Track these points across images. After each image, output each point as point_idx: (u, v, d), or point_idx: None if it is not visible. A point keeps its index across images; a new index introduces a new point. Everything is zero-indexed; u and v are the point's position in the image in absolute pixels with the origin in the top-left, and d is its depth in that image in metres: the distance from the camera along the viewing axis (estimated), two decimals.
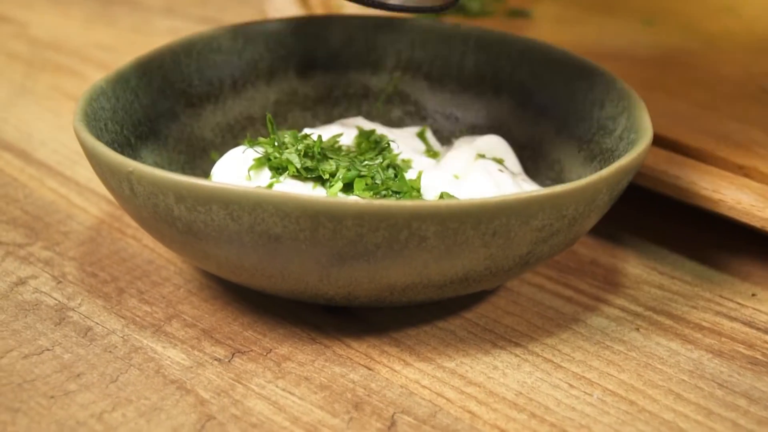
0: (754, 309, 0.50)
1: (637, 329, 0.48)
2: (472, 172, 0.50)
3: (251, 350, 0.46)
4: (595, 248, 0.54)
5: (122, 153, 0.50)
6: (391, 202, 0.41)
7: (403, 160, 0.50)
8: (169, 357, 0.45)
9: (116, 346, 0.46)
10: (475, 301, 0.49)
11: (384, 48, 0.58)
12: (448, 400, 0.44)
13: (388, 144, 0.51)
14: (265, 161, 0.48)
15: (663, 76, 0.63)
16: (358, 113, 0.58)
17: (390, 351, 0.46)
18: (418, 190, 0.48)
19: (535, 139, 0.55)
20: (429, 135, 0.54)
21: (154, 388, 0.44)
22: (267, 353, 0.46)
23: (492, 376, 0.45)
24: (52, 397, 0.43)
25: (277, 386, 0.44)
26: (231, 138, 0.56)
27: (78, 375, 0.44)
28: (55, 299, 0.49)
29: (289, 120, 0.58)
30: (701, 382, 0.45)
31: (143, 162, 0.51)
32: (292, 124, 0.57)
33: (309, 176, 0.48)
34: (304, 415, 0.43)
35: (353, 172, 0.47)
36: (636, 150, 0.46)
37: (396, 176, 0.48)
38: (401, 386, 0.44)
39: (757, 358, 0.47)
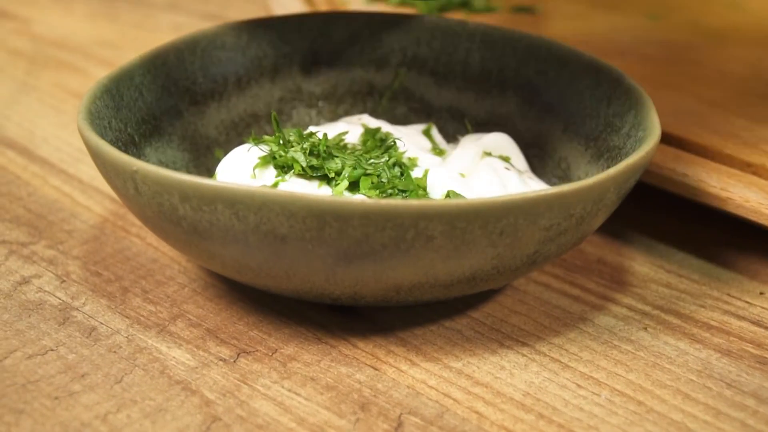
0: (762, 308, 0.50)
1: (645, 328, 0.48)
2: (479, 171, 0.49)
3: (256, 350, 0.46)
4: (601, 246, 0.53)
5: (126, 151, 0.49)
6: (397, 201, 0.40)
7: (409, 158, 0.50)
8: (174, 357, 0.45)
9: (121, 346, 0.46)
10: (481, 300, 0.49)
11: (389, 44, 0.58)
12: (455, 400, 0.43)
13: (394, 142, 0.50)
14: (270, 160, 0.48)
15: (670, 73, 0.62)
16: (363, 110, 0.58)
17: (396, 351, 0.46)
18: (425, 189, 0.48)
19: (542, 136, 0.54)
20: (435, 132, 0.54)
21: (159, 389, 0.43)
22: (272, 353, 0.46)
23: (499, 377, 0.45)
24: (56, 398, 0.43)
25: (282, 387, 0.44)
26: (235, 135, 0.56)
27: (82, 375, 0.44)
28: (59, 299, 0.48)
29: (293, 117, 0.57)
30: (710, 381, 0.45)
31: (147, 160, 0.51)
32: (296, 122, 0.57)
33: (314, 175, 0.47)
34: (311, 416, 0.42)
35: (359, 171, 0.47)
36: (644, 148, 0.45)
37: (402, 174, 0.48)
38: (408, 386, 0.44)
39: (766, 358, 0.46)
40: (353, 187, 0.47)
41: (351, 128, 0.52)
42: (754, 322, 0.49)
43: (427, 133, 0.54)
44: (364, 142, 0.51)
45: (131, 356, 0.45)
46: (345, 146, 0.50)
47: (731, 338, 0.47)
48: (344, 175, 0.47)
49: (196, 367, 0.45)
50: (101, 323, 0.47)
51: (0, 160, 0.60)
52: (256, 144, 0.49)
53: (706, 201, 0.51)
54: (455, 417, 0.42)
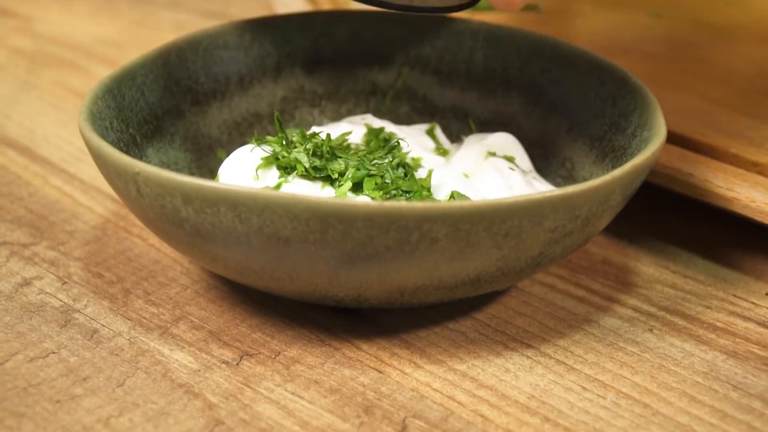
0: None
1: (651, 330, 0.48)
2: (483, 171, 0.49)
3: (260, 353, 0.45)
4: (606, 247, 0.53)
5: (128, 152, 0.49)
6: (401, 203, 0.40)
7: (413, 159, 0.50)
8: (176, 360, 0.45)
9: (123, 349, 0.45)
10: (485, 301, 0.49)
11: (392, 43, 0.57)
12: (459, 403, 0.43)
13: (398, 142, 0.50)
14: (273, 161, 0.48)
15: (674, 71, 0.62)
16: (366, 110, 0.58)
17: (400, 353, 0.46)
18: (428, 189, 0.47)
19: (546, 136, 0.54)
20: (438, 132, 0.54)
21: (161, 392, 0.43)
22: (275, 356, 0.45)
23: (504, 379, 0.44)
24: (58, 401, 0.42)
25: (286, 390, 0.43)
26: (238, 135, 0.55)
27: (84, 379, 0.44)
28: (61, 300, 0.48)
29: (296, 117, 0.57)
30: (716, 384, 0.45)
31: (149, 161, 0.51)
32: (299, 121, 0.57)
33: (318, 176, 0.47)
34: (314, 419, 0.42)
35: (362, 172, 0.47)
36: (650, 149, 0.45)
37: (406, 175, 0.48)
38: (412, 389, 0.44)
39: None
40: (357, 188, 0.47)
41: (354, 128, 0.52)
42: (760, 323, 0.48)
43: (430, 133, 0.53)
44: (367, 143, 0.51)
45: (133, 359, 0.45)
46: (348, 147, 0.50)
47: (737, 340, 0.47)
48: (348, 175, 0.47)
49: (199, 370, 0.44)
50: (103, 325, 0.47)
51: (0, 159, 0.60)
52: (259, 144, 0.49)
53: (712, 201, 0.51)
54: (460, 420, 0.42)
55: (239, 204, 0.40)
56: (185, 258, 0.51)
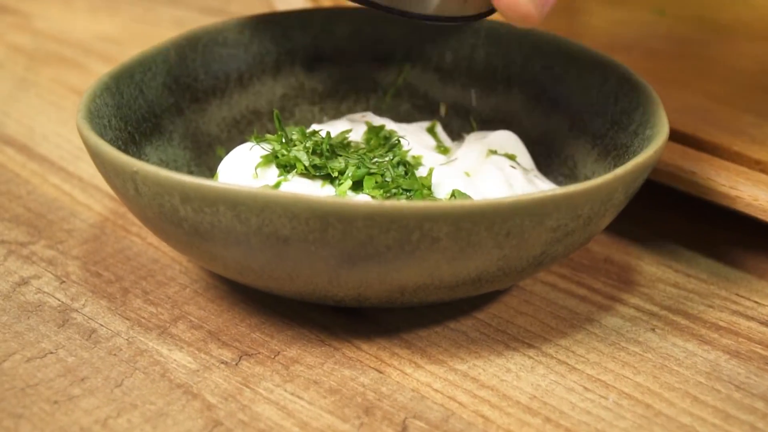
0: None
1: (653, 329, 0.47)
2: (484, 169, 0.49)
3: (259, 353, 0.45)
4: (608, 245, 0.53)
5: (126, 151, 0.49)
6: (402, 203, 0.40)
7: (413, 157, 0.49)
8: (174, 360, 0.44)
9: (121, 349, 0.45)
10: (486, 301, 0.48)
11: (393, 40, 0.57)
12: (460, 404, 0.43)
13: (398, 140, 0.50)
14: (272, 159, 0.47)
15: (676, 68, 0.62)
16: (366, 107, 0.57)
17: (401, 353, 0.45)
18: (429, 188, 0.47)
19: (548, 134, 0.54)
20: (439, 130, 0.53)
21: (159, 393, 0.43)
22: (275, 356, 0.45)
23: (505, 379, 0.44)
24: (55, 402, 0.42)
25: (285, 390, 0.43)
26: (237, 133, 0.55)
27: (82, 379, 0.43)
28: (59, 300, 0.48)
29: (296, 114, 0.57)
30: (718, 384, 0.44)
31: (147, 159, 0.50)
32: (299, 119, 0.57)
33: (317, 174, 0.47)
34: (314, 420, 0.42)
35: (363, 170, 0.47)
36: (652, 147, 0.45)
37: (406, 174, 0.47)
38: (412, 390, 0.43)
39: None
40: (357, 186, 0.46)
41: (354, 126, 0.51)
42: (762, 323, 0.48)
43: (431, 131, 0.53)
44: (367, 141, 0.50)
45: (132, 359, 0.44)
46: (348, 145, 0.50)
47: (740, 339, 0.47)
48: (348, 174, 0.46)
49: (198, 370, 0.44)
50: (101, 325, 0.46)
51: None
52: (258, 142, 0.48)
53: (715, 199, 0.50)
54: (461, 421, 0.42)
55: (238, 203, 0.40)
56: (184, 257, 0.51)
